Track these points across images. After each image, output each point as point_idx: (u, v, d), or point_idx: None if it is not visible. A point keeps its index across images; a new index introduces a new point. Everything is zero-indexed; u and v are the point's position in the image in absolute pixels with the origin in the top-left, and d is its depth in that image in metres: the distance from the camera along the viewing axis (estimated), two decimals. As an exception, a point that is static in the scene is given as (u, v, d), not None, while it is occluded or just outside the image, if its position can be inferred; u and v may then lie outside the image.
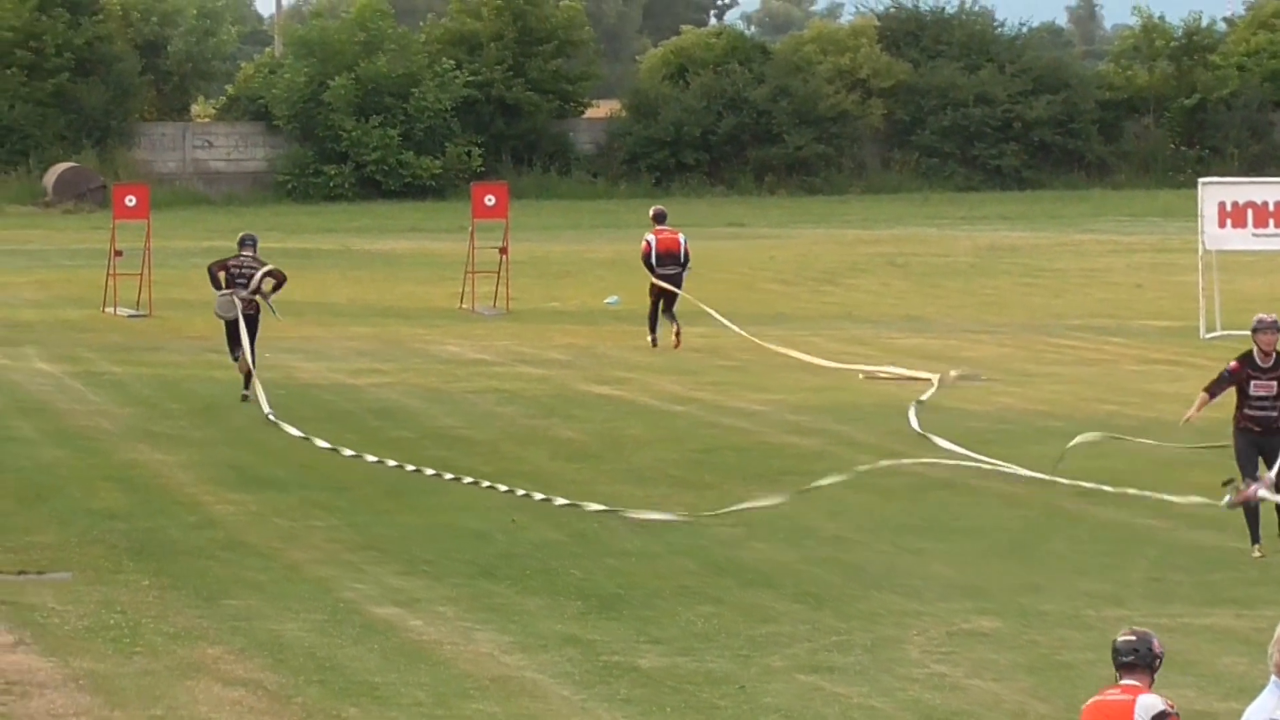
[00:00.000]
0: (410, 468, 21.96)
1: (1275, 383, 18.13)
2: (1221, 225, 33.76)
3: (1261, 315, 18.68)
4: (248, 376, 25.81)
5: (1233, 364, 18.40)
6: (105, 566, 17.79)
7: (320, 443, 23.35)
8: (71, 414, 26.04)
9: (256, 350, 26.30)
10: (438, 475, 21.63)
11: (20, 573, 17.59)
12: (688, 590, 16.91)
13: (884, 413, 25.49)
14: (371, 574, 17.56)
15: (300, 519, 19.75)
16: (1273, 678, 9.16)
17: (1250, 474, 18.05)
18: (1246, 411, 18.24)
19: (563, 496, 20.27)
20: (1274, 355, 18.14)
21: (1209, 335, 32.49)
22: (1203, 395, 18.71)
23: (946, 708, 13.61)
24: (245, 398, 25.90)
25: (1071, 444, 21.04)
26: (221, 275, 26.23)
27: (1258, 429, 18.23)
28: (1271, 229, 33.78)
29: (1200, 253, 34.18)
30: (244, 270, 26.13)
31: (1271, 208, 33.67)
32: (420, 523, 19.66)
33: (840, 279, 43.12)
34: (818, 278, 43.37)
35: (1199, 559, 18.04)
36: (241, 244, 26.69)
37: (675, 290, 31.29)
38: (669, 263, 31.38)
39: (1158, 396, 26.41)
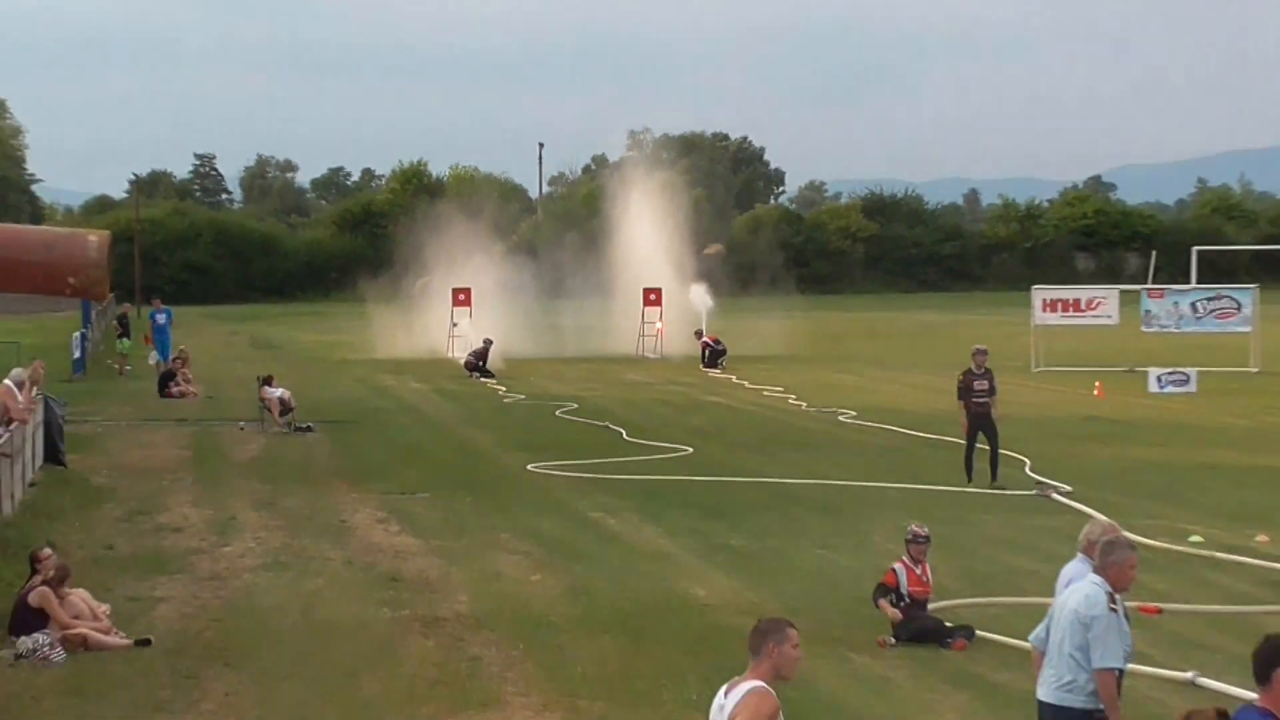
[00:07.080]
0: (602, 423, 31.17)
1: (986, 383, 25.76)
2: (1044, 311, 54.46)
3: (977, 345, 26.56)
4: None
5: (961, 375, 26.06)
6: (446, 492, 22.85)
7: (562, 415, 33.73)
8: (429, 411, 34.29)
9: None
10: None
11: (402, 493, 22.38)
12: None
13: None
14: (591, 497, 22.90)
15: (554, 468, 26.21)
16: (1079, 554, 10.82)
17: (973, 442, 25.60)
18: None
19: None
20: (985, 369, 26.08)
21: (1036, 369, 52.32)
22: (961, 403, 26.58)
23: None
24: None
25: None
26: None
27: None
28: (1071, 314, 54.38)
29: (1032, 325, 54.15)
30: None
31: (1071, 301, 54.67)
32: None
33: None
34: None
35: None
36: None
37: None
38: None
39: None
